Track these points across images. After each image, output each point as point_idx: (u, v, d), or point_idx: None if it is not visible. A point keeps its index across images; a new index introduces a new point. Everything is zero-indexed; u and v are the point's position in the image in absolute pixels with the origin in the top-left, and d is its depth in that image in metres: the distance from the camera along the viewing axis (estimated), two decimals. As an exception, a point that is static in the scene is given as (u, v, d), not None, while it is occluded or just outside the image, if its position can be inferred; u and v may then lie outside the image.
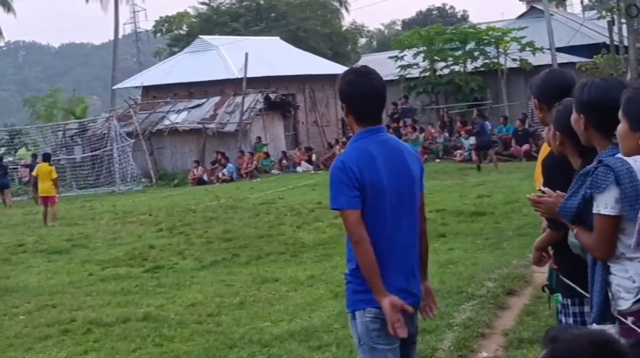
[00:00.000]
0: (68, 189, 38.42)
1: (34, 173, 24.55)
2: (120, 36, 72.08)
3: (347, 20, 74.61)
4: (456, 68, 39.95)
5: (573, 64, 35.49)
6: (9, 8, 69.53)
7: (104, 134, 39.27)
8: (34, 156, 36.77)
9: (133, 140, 38.07)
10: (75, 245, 17.35)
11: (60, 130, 43.33)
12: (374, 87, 4.70)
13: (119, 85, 51.79)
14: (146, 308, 10.34)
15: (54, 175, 23.23)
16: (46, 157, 24.47)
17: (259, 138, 38.52)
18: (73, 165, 40.23)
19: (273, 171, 36.78)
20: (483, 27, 41.07)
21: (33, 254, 16.51)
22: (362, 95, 4.68)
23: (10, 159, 43.79)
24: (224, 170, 35.88)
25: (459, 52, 39.64)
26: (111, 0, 69.40)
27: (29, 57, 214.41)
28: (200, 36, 49.46)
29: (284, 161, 37.93)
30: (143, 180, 37.53)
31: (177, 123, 39.31)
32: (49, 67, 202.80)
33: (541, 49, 36.73)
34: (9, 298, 11.62)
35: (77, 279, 13.01)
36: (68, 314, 10.25)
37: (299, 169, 36.72)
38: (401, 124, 37.95)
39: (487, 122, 32.07)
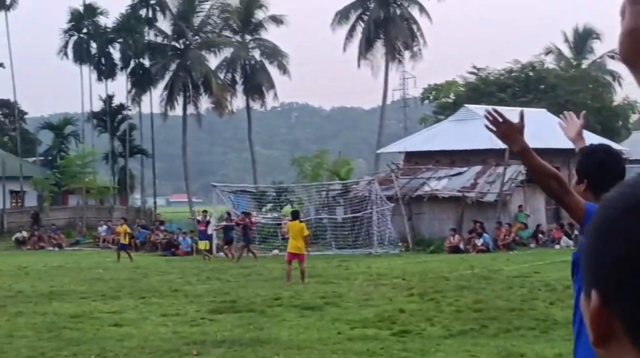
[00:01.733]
0: (327, 248, 39.53)
1: (284, 229, 25.41)
2: (388, 102, 73.94)
3: (619, 95, 72.32)
4: None
5: None
6: (284, 70, 73.11)
7: (365, 197, 40.08)
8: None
9: (393, 204, 38.62)
10: (328, 302, 17.75)
11: (324, 190, 44.74)
12: (620, 167, 4.46)
13: (383, 150, 52.85)
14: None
15: (306, 233, 23.99)
16: (295, 215, 25.32)
17: (521, 206, 37.96)
18: (334, 225, 41.28)
19: (531, 245, 36.05)
20: None
21: (287, 308, 17.05)
22: (609, 173, 4.42)
23: (276, 214, 45.68)
24: (481, 240, 35.59)
25: None
26: (382, 67, 71.35)
27: (301, 118, 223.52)
28: (466, 105, 49.66)
29: (540, 235, 37.10)
30: (400, 244, 37.95)
31: (437, 190, 39.52)
32: (319, 129, 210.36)
33: None
34: (260, 349, 12.06)
35: (326, 336, 13.29)
36: (313, 369, 10.51)
37: (556, 246, 35.80)
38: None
39: None
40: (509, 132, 4.14)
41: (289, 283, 22.38)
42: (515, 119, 4.23)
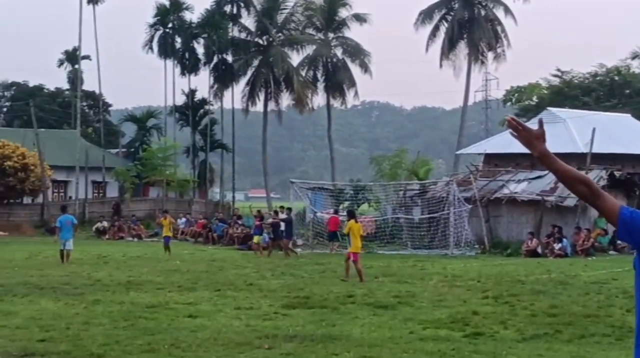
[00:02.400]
0: (403, 247, 39.46)
1: (345, 230, 25.28)
2: (470, 103, 73.40)
3: None
4: None
5: None
6: (366, 69, 73.07)
7: (443, 198, 39.88)
8: (289, 209, 38.50)
9: (470, 206, 38.37)
10: (401, 302, 17.72)
11: (401, 190, 44.63)
12: None
13: (463, 151, 52.53)
14: (459, 373, 10.34)
15: (362, 233, 24.20)
16: (352, 215, 25.31)
17: (601, 213, 37.33)
18: (410, 225, 41.17)
19: (610, 251, 35.43)
20: None
21: (360, 306, 17.07)
22: None
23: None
24: (559, 245, 35.10)
25: None
26: (464, 68, 70.87)
27: (382, 117, 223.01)
28: (549, 108, 49.08)
29: (619, 242, 36.41)
30: (476, 246, 37.72)
31: (516, 193, 39.13)
32: (399, 128, 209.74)
33: None
34: (330, 345, 12.10)
35: (398, 335, 13.27)
36: (383, 368, 10.50)
37: (637, 252, 35.08)
38: None
39: None
40: (529, 138, 4.34)
41: (348, 279, 22.80)
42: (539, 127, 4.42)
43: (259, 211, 41.24)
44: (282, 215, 36.66)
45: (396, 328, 14.14)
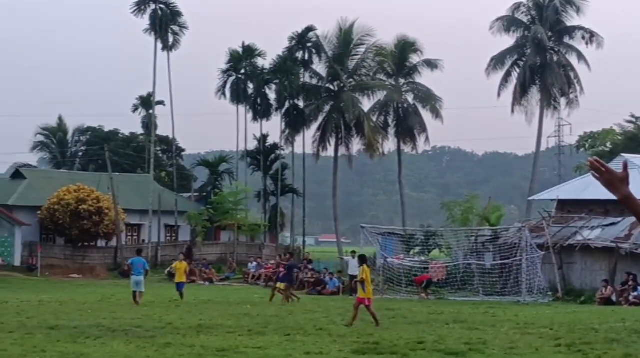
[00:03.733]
0: (475, 294, 39.09)
1: (360, 276, 24.55)
2: (542, 148, 72.73)
3: None
4: None
5: None
6: (437, 115, 72.96)
7: (515, 244, 39.46)
8: (291, 255, 38.07)
9: (543, 253, 37.90)
10: (472, 349, 17.50)
11: (473, 236, 44.30)
12: None
13: (535, 197, 52.00)
14: None
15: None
16: (363, 259, 24.86)
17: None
18: (482, 271, 40.79)
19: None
20: None
21: (430, 353, 16.90)
22: None
23: (423, 258, 45.49)
24: (634, 293, 34.42)
25: None
26: (536, 113, 70.40)
27: (452, 162, 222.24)
28: (623, 154, 48.40)
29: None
30: (549, 293, 37.18)
31: (589, 239, 38.58)
32: (470, 174, 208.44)
33: None
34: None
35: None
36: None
37: None
38: None
39: None
40: (612, 180, 4.28)
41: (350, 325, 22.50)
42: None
43: (282, 255, 40.94)
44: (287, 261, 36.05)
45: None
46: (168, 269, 51.68)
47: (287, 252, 38.98)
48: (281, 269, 35.60)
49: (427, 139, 75.39)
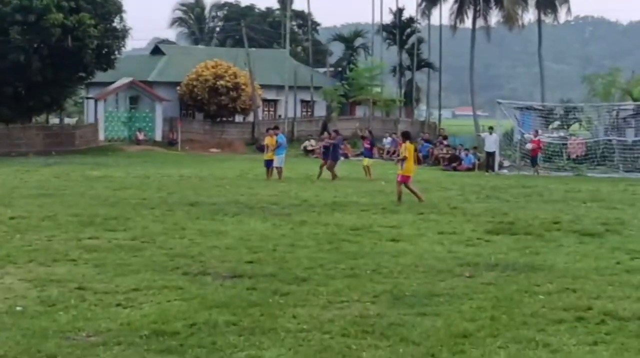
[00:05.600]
0: (614, 170, 38.17)
1: (402, 154, 23.58)
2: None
3: None
4: None
5: None
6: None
7: (659, 119, 38.16)
8: (336, 132, 35.98)
9: (689, 128, 36.56)
10: (609, 229, 17.18)
11: (614, 110, 43.01)
12: None
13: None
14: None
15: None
16: (408, 136, 24.25)
17: None
18: (623, 147, 39.71)
19: None
20: None
21: (566, 233, 16.67)
22: None
23: (562, 133, 44.54)
24: None
25: None
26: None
27: (595, 32, 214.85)
28: None
29: None
30: (693, 170, 35.99)
31: None
32: (614, 44, 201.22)
33: None
34: (533, 275, 11.91)
35: (603, 266, 12.89)
36: (586, 301, 10.24)
37: None
38: None
39: None
40: None
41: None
42: None
43: (369, 131, 39.53)
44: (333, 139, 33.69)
45: (602, 258, 13.72)
46: (304, 144, 52.36)
47: (334, 130, 37.31)
48: (325, 145, 33.83)
49: (568, 9, 73.12)
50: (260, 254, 13.42)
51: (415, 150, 25.15)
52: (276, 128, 34.39)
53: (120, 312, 9.52)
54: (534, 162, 38.26)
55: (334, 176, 31.41)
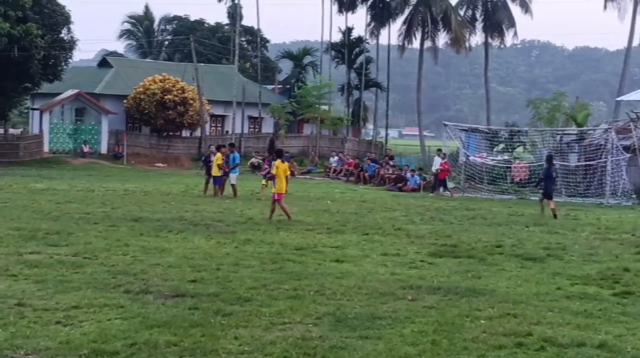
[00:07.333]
0: (557, 195, 38.56)
1: (273, 171, 23.61)
2: (635, 44, 70.33)
3: None
4: None
5: None
6: (526, 9, 71.27)
7: (601, 145, 38.72)
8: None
9: (629, 155, 37.15)
10: (550, 254, 17.42)
11: (558, 135, 43.56)
12: None
13: (624, 98, 50.79)
14: (604, 336, 10.11)
15: (288, 173, 23.94)
16: (281, 154, 24.37)
17: None
18: (566, 171, 40.18)
19: None
20: None
21: (508, 257, 16.87)
22: None
23: (507, 156, 45.00)
24: None
25: None
26: (629, 10, 68.00)
27: (541, 57, 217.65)
28: None
29: None
30: (633, 196, 36.57)
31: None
32: (559, 69, 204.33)
33: None
34: (475, 300, 12.02)
35: (544, 291, 13.06)
36: (526, 327, 10.37)
37: None
38: None
39: None
40: None
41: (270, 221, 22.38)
42: None
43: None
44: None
45: (543, 283, 13.91)
46: (250, 161, 52.25)
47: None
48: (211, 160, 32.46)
49: (515, 33, 73.99)
50: (203, 273, 13.37)
51: (290, 169, 25.35)
52: (232, 145, 34.17)
53: (60, 330, 9.43)
54: (443, 185, 38.91)
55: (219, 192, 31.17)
